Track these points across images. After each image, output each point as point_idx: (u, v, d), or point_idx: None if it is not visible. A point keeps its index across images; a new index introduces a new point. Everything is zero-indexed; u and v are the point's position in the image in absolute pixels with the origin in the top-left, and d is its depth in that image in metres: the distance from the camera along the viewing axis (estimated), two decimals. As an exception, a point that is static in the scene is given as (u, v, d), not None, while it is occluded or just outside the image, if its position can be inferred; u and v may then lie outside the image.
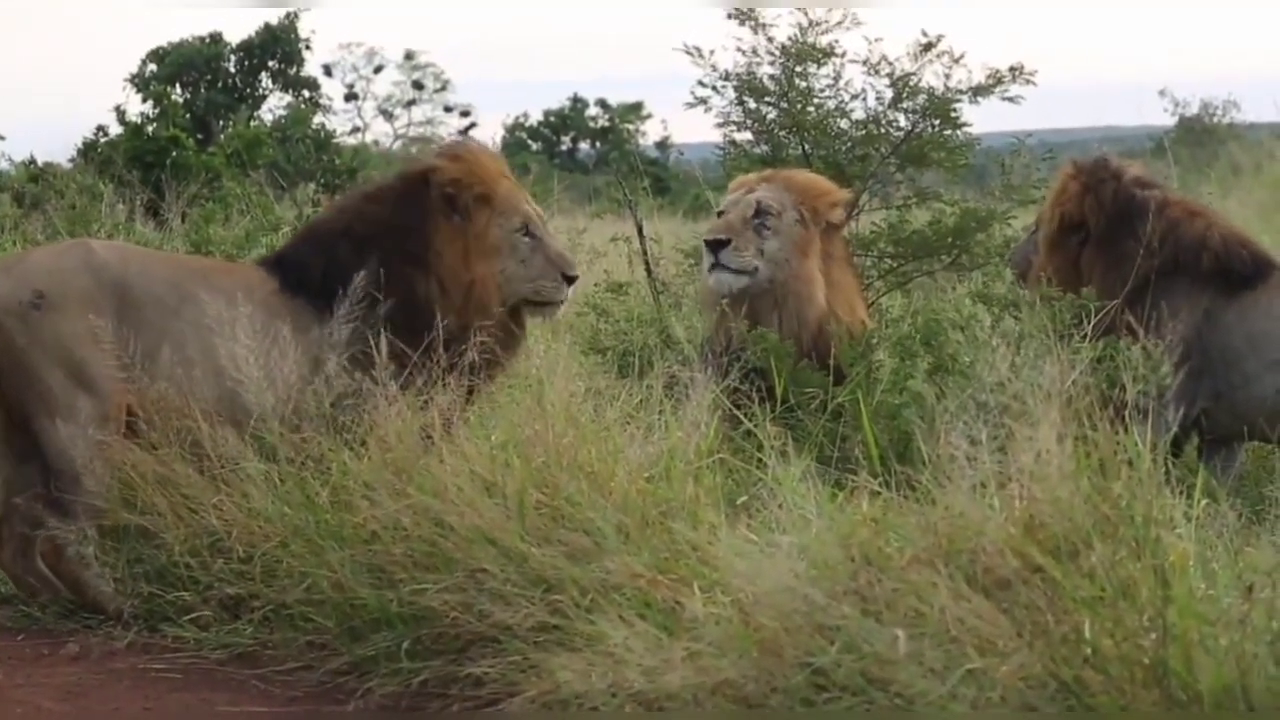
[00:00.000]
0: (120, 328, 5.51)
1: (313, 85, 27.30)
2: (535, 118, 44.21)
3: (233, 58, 26.44)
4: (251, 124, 20.07)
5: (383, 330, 5.50)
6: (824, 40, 7.91)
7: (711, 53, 7.96)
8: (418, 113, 45.45)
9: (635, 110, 43.75)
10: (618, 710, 3.98)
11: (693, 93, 8.03)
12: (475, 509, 4.73)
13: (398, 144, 40.11)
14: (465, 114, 44.87)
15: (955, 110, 7.84)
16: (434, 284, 5.83)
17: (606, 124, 43.68)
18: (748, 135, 8.10)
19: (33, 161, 14.26)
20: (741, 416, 5.46)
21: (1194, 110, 29.49)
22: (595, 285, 8.44)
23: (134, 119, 16.96)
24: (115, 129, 16.43)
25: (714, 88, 8.02)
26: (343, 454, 5.18)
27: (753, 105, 8.01)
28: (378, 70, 44.96)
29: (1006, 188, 7.95)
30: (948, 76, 7.81)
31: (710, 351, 6.43)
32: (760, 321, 6.36)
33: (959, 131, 7.89)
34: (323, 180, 16.18)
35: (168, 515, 5.33)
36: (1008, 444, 3.85)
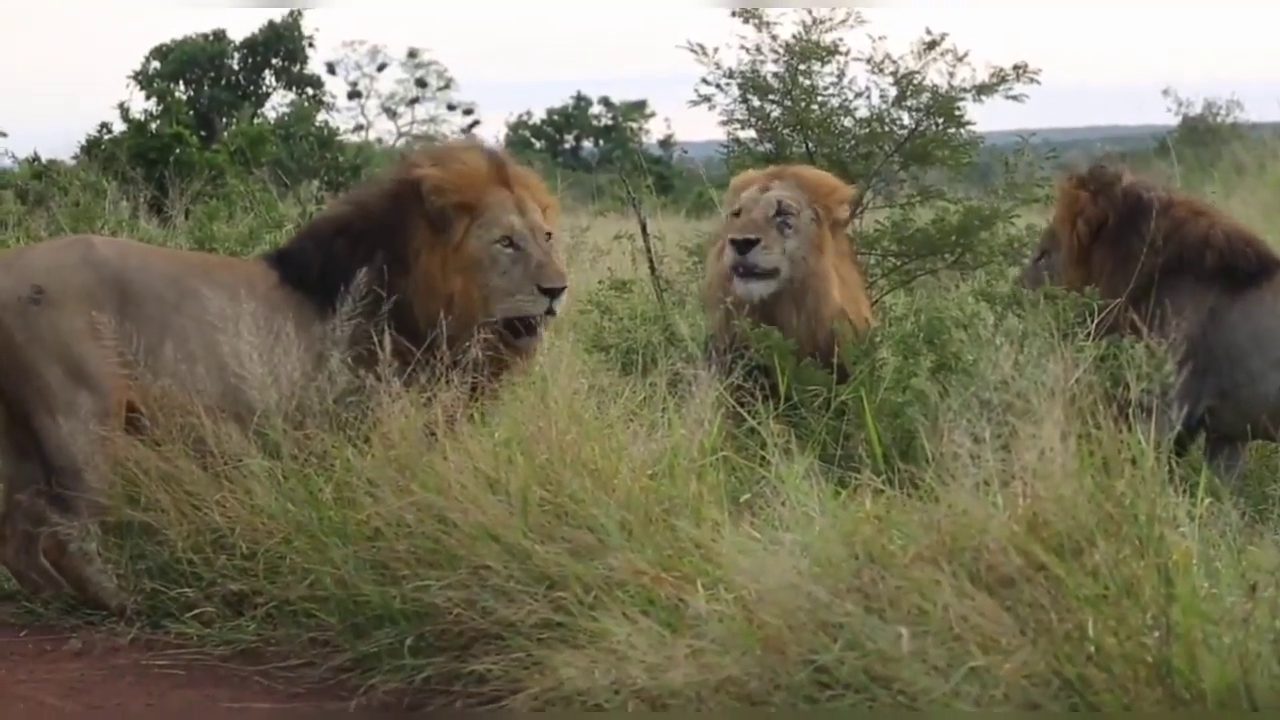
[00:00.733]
0: (121, 323, 5.49)
1: (316, 83, 27.37)
2: (539, 116, 44.34)
3: (236, 55, 26.50)
4: (255, 121, 20.11)
5: (386, 327, 5.47)
6: (828, 38, 7.92)
7: (715, 51, 7.97)
8: (421, 111, 45.46)
9: (639, 109, 43.83)
10: (621, 707, 3.98)
11: (696, 91, 8.04)
12: (479, 506, 4.73)
13: (401, 142, 40.10)
14: (468, 112, 44.89)
15: (959, 109, 7.84)
16: (415, 291, 5.67)
17: (610, 122, 43.75)
18: (751, 133, 8.10)
19: (37, 158, 14.28)
20: (745, 414, 5.46)
21: (1197, 110, 29.55)
22: (599, 283, 8.45)
23: (138, 116, 17.03)
24: (119, 126, 16.49)
25: (718, 86, 8.02)
26: (346, 450, 5.18)
27: (757, 103, 8.01)
28: (381, 68, 44.99)
29: (1010, 186, 7.94)
30: (951, 75, 7.82)
31: (714, 349, 6.43)
32: (778, 320, 6.35)
33: (963, 130, 7.89)
34: (326, 178, 16.18)
35: (171, 511, 5.33)
36: (1011, 442, 3.85)
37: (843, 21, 7.89)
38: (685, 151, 22.36)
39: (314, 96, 26.51)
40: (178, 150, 15.24)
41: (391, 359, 5.33)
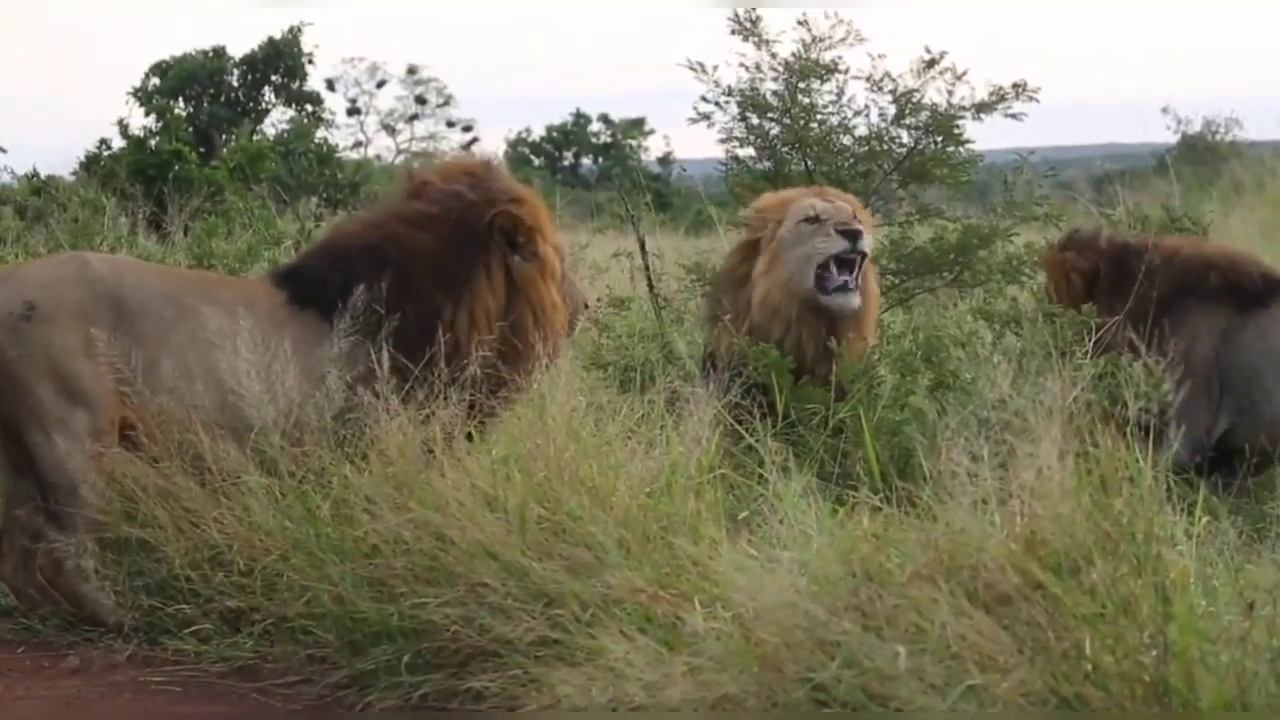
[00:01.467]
0: (117, 340, 5.48)
1: (315, 99, 27.37)
2: (538, 133, 44.31)
3: (235, 71, 26.52)
4: (254, 138, 20.11)
5: (385, 345, 5.46)
6: (827, 56, 7.94)
7: (714, 68, 7.99)
8: (420, 128, 45.46)
9: (638, 126, 43.83)
10: (618, 725, 3.98)
11: (695, 108, 8.06)
12: (476, 523, 4.73)
13: (400, 159, 40.11)
14: (467, 129, 44.89)
15: (958, 127, 7.86)
16: (464, 316, 5.70)
17: (609, 140, 43.76)
18: (750, 151, 8.11)
19: (35, 174, 14.31)
20: (743, 432, 5.46)
21: (1196, 128, 29.55)
22: (598, 300, 8.44)
23: (137, 132, 17.05)
24: (118, 142, 16.52)
25: (717, 103, 8.04)
26: (344, 468, 5.18)
27: (755, 121, 8.02)
28: (380, 85, 45.00)
29: (1009, 204, 7.95)
30: (950, 93, 7.84)
31: (712, 367, 6.42)
32: (837, 338, 6.25)
33: (961, 148, 7.91)
34: (325, 194, 16.22)
35: (168, 528, 5.32)
36: (1009, 460, 3.85)
37: (842, 39, 7.92)
38: (684, 169, 22.40)
39: (313, 113, 26.53)
40: (177, 167, 15.25)
41: (389, 376, 5.32)
